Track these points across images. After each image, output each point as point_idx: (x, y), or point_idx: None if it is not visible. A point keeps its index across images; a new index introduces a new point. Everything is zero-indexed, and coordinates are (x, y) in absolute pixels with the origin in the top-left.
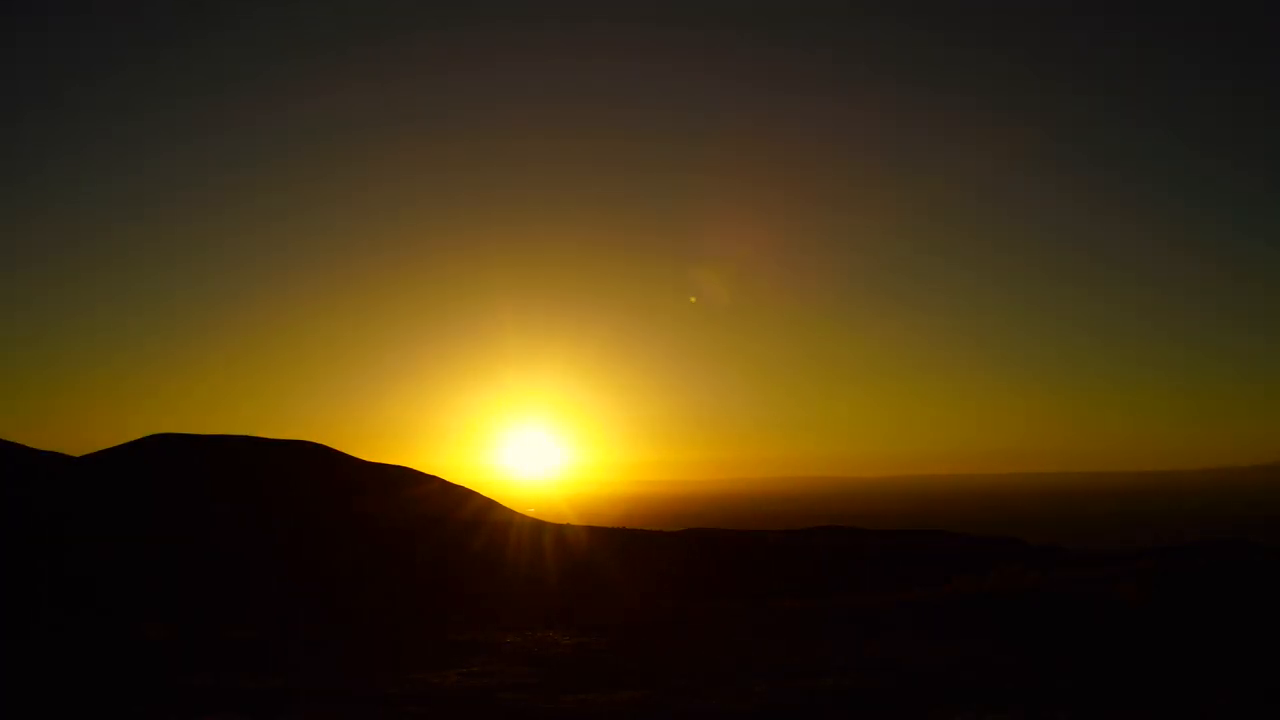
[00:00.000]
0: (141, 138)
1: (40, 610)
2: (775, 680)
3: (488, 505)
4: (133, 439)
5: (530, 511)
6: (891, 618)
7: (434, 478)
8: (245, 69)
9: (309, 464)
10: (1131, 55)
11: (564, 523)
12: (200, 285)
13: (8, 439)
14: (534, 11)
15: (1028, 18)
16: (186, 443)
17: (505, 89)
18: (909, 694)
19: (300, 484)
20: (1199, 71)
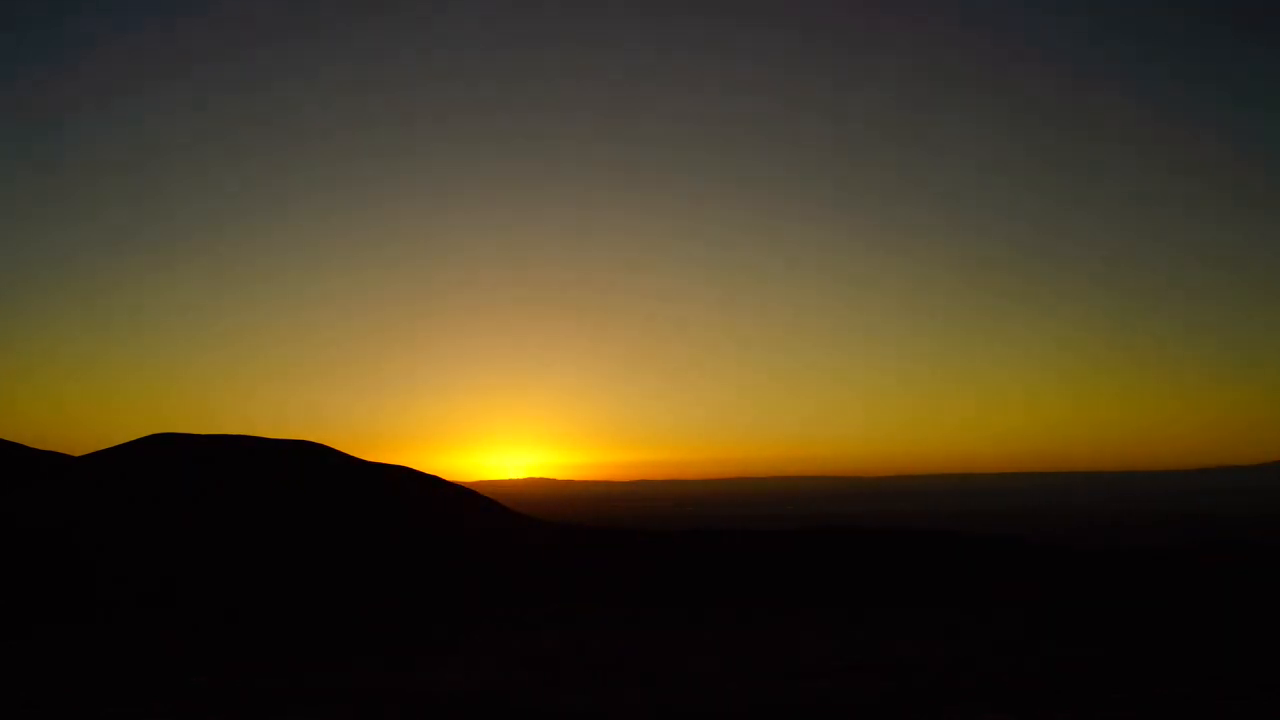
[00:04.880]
0: (140, 134)
1: (42, 609)
2: (775, 680)
3: (486, 507)
4: (133, 439)
5: (528, 512)
6: (890, 618)
7: (434, 479)
8: (247, 62)
9: (309, 464)
10: (1131, 49)
11: (561, 523)
12: (201, 285)
13: (8, 439)
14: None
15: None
16: (186, 443)
17: (505, 85)
18: (909, 694)
19: (300, 484)
20: (1199, 70)
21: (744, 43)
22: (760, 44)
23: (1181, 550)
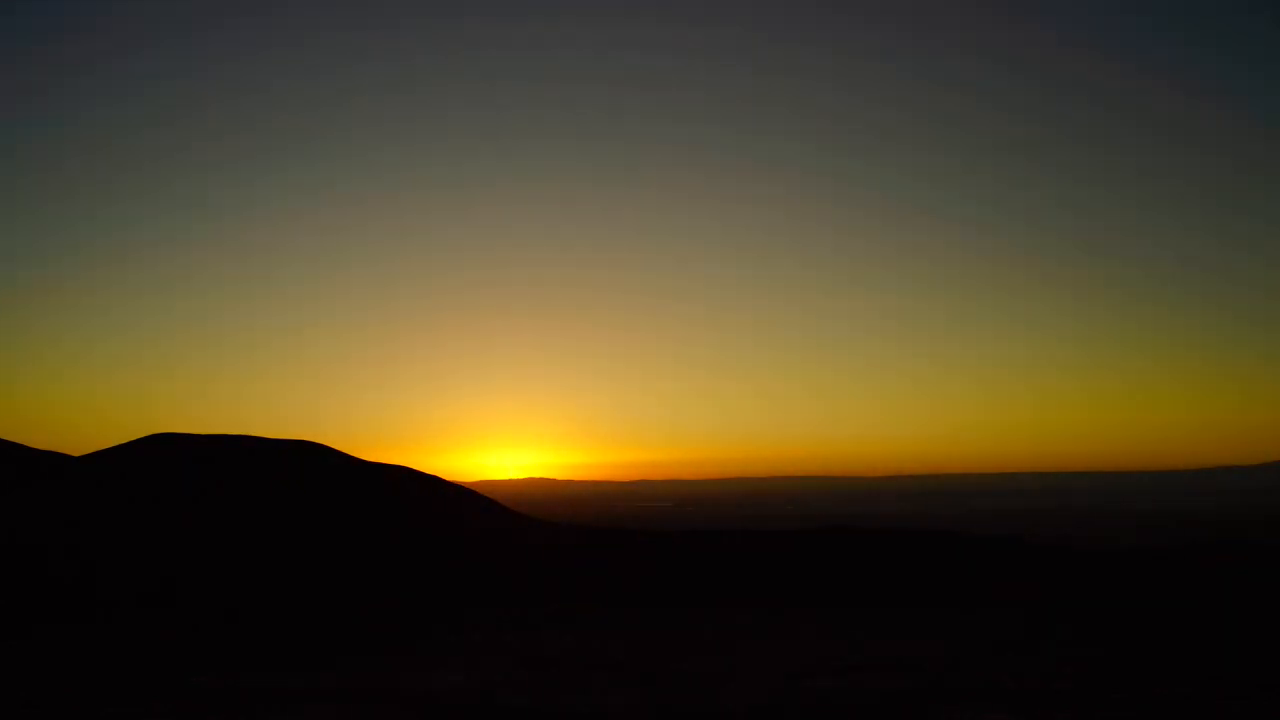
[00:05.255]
0: (138, 134)
1: (42, 609)
2: (775, 680)
3: (486, 507)
4: (133, 439)
5: (528, 512)
6: (890, 618)
7: (434, 479)
8: (245, 63)
9: (309, 464)
10: (1132, 51)
11: (561, 523)
12: (200, 285)
13: (8, 439)
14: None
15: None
16: (186, 443)
17: (504, 88)
18: (909, 694)
19: (300, 484)
20: (1199, 70)
21: (740, 44)
22: (756, 44)
23: (1181, 550)
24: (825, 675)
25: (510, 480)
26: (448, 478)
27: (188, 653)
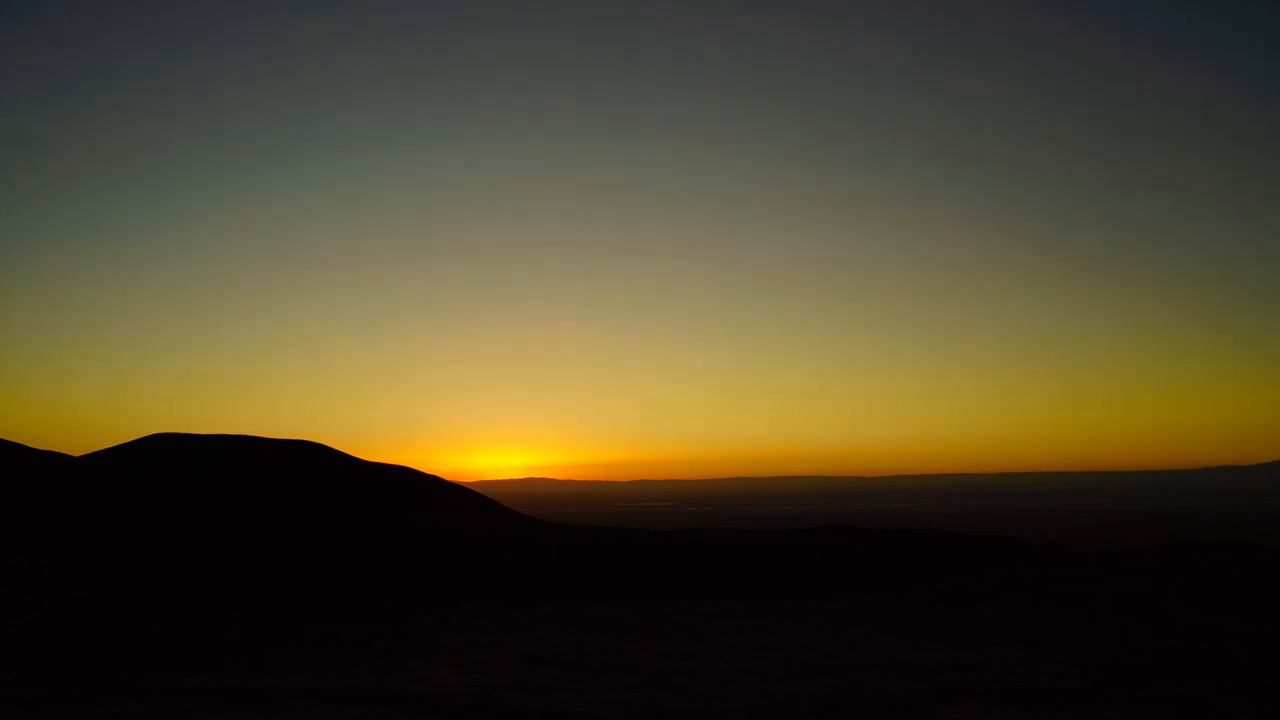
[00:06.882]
0: (139, 135)
1: (41, 609)
2: (775, 680)
3: (486, 507)
4: (133, 439)
5: (528, 512)
6: (891, 617)
7: (434, 479)
8: (245, 65)
9: (309, 464)
10: (1133, 49)
11: (561, 523)
12: (201, 285)
13: (8, 439)
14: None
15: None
16: (186, 443)
17: (504, 92)
18: (908, 694)
19: (300, 484)
20: (1200, 67)
21: (736, 46)
22: (753, 46)
23: (1181, 550)
24: (825, 675)
25: (510, 480)
26: (448, 478)
27: (185, 653)
